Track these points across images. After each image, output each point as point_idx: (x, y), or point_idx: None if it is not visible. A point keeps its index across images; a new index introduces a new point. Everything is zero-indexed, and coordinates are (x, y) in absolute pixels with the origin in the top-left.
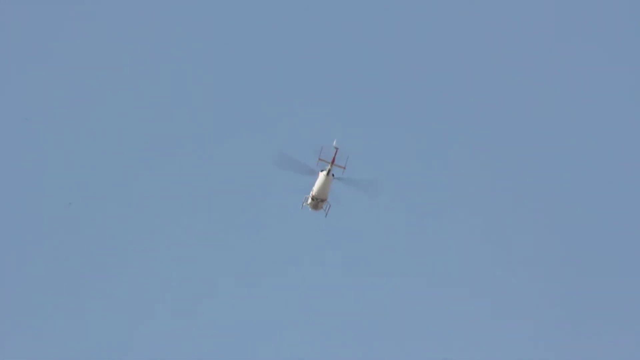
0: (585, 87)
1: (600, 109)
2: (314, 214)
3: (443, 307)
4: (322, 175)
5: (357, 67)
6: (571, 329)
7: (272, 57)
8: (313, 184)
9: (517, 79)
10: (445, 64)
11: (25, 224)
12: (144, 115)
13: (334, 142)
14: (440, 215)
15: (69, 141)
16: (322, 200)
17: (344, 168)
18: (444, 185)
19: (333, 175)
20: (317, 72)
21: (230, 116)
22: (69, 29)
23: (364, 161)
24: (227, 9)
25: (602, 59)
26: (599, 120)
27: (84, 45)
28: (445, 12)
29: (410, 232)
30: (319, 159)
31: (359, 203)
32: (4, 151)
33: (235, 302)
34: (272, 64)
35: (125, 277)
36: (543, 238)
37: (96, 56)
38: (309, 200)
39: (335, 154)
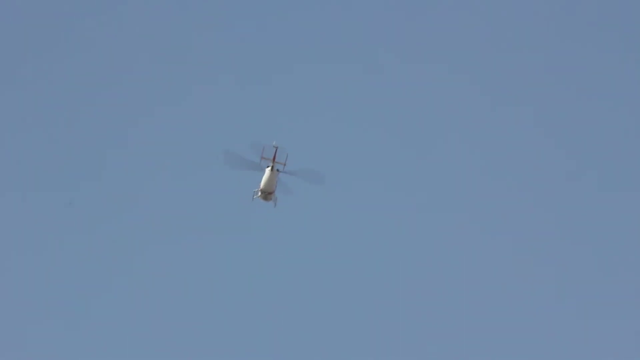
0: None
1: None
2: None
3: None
4: (267, 170)
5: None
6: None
7: None
8: (260, 180)
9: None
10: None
11: (25, 223)
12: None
13: (274, 143)
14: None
15: (69, 141)
16: (270, 193)
17: (284, 164)
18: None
19: (278, 170)
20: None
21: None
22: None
23: (306, 157)
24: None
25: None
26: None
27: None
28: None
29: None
30: (262, 158)
31: (306, 191)
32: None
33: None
34: None
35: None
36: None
37: (95, 54)
38: (259, 194)
39: (275, 152)
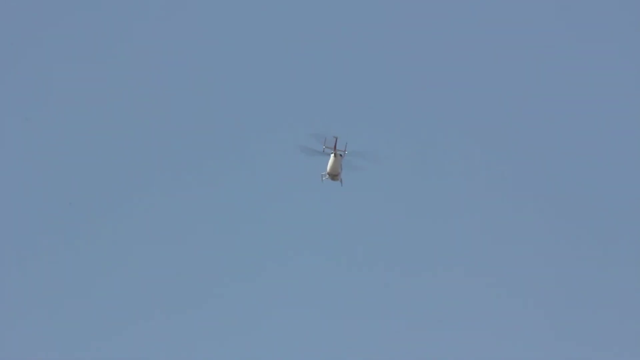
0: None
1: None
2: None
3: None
4: (331, 157)
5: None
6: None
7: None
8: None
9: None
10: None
11: (25, 223)
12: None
13: (333, 136)
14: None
15: (69, 141)
16: (336, 175)
17: (345, 152)
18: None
19: (341, 155)
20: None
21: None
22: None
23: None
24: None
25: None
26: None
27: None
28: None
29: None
30: (325, 147)
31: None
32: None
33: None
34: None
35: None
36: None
37: (96, 54)
38: (327, 176)
39: (336, 142)
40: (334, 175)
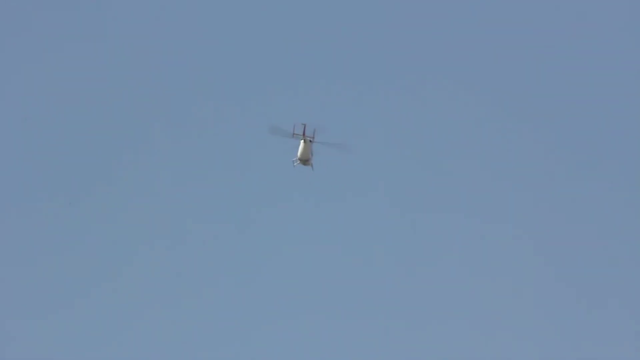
0: None
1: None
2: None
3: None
4: (301, 143)
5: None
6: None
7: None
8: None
9: None
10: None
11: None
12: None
13: (301, 123)
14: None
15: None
16: (307, 160)
17: (313, 137)
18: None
19: (310, 141)
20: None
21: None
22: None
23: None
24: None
25: None
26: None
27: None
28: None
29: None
30: (294, 134)
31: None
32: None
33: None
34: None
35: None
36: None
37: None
38: (298, 162)
39: (304, 128)
40: (304, 161)
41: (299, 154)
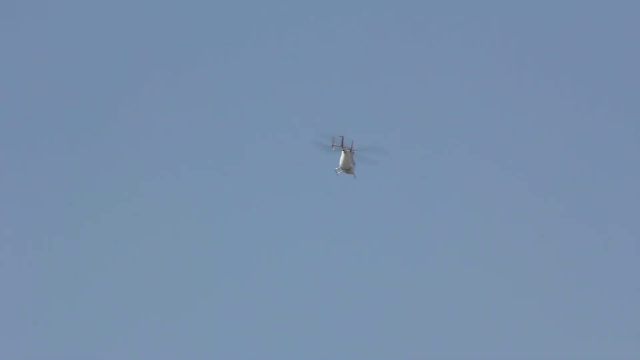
0: None
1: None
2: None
3: None
4: (342, 153)
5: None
6: None
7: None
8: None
9: None
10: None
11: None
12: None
13: (339, 135)
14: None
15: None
16: (349, 169)
17: (352, 148)
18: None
19: (350, 150)
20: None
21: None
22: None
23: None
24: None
25: None
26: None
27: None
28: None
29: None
30: (333, 146)
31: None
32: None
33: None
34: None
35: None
36: None
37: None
38: (340, 171)
39: (343, 140)
40: (347, 169)
41: (340, 163)
